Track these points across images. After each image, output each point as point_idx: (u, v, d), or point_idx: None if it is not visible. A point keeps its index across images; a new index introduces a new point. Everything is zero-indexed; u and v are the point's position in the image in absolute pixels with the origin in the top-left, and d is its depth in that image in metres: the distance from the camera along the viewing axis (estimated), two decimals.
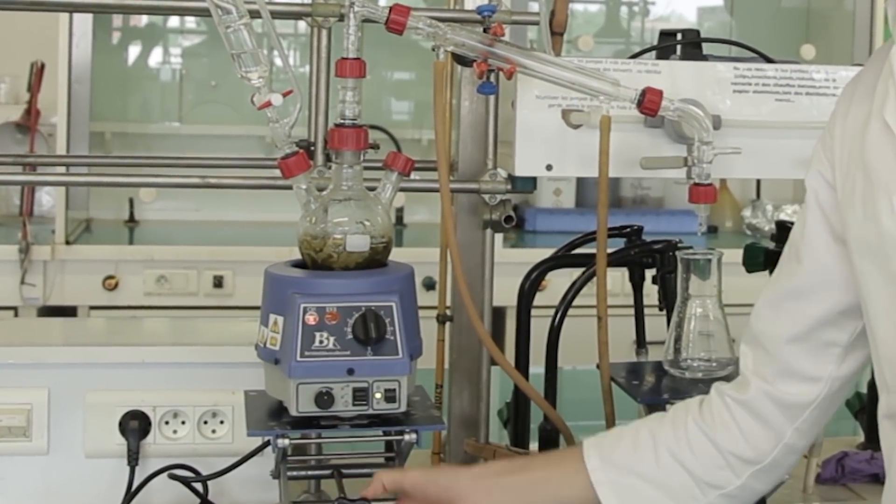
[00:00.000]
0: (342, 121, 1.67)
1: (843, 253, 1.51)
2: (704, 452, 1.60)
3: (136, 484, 1.92)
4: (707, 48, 2.05)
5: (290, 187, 1.70)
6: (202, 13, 1.83)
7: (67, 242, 4.43)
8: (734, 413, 1.60)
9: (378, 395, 1.61)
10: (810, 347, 1.56)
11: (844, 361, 1.57)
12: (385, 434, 1.71)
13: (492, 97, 1.96)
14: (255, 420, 1.67)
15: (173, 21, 5.34)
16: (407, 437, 1.66)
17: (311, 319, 1.59)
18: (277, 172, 1.69)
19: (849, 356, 1.57)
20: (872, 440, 2.31)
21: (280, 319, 1.62)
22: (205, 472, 1.92)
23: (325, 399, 1.60)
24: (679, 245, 2.03)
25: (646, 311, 2.13)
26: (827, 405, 1.60)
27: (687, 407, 1.64)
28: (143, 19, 5.30)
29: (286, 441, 1.64)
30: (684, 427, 1.61)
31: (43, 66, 4.71)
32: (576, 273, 2.01)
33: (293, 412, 1.61)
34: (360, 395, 1.61)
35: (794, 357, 1.57)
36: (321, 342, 1.59)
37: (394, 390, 1.61)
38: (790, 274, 1.57)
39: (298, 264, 1.70)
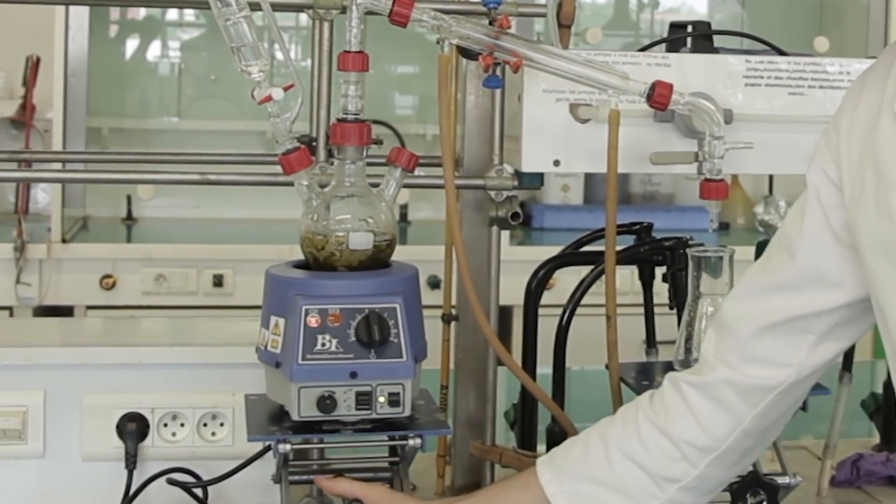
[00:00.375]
0: (344, 115, 1.67)
1: (841, 253, 1.50)
2: (657, 446, 1.59)
3: (133, 488, 1.92)
4: (718, 40, 2.04)
5: (291, 184, 1.69)
6: (201, 5, 1.82)
7: (64, 241, 4.44)
8: (689, 399, 1.59)
9: (381, 399, 1.61)
10: (783, 335, 1.56)
11: (816, 350, 1.56)
12: (389, 439, 1.70)
13: (498, 91, 1.96)
14: (256, 425, 1.67)
15: (172, 14, 5.34)
16: (411, 441, 1.66)
17: (313, 321, 1.59)
18: (278, 169, 1.69)
19: (821, 345, 1.56)
20: (888, 441, 2.31)
21: (281, 321, 1.62)
22: (204, 475, 1.91)
23: (327, 403, 1.59)
24: (690, 242, 2.02)
25: (656, 309, 2.13)
26: (791, 391, 1.59)
27: (636, 403, 1.65)
28: (141, 12, 5.30)
29: (287, 446, 1.63)
30: (634, 423, 1.61)
31: (38, 60, 4.71)
32: (584, 271, 2.00)
33: (294, 417, 1.60)
34: (364, 399, 1.60)
35: (764, 344, 1.57)
36: (323, 345, 1.59)
37: (398, 394, 1.61)
38: (778, 266, 1.57)
39: (300, 265, 1.70)
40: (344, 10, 1.69)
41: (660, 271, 2.07)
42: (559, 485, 1.61)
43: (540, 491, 1.62)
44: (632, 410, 1.64)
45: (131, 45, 5.31)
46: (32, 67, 4.73)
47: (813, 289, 1.53)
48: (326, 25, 1.95)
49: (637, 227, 2.10)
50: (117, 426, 1.95)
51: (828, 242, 1.51)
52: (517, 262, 2.50)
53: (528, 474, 1.66)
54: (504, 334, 2.50)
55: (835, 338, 1.56)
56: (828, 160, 1.51)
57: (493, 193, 1.97)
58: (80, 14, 4.61)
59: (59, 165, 3.43)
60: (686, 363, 1.93)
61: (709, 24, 2.06)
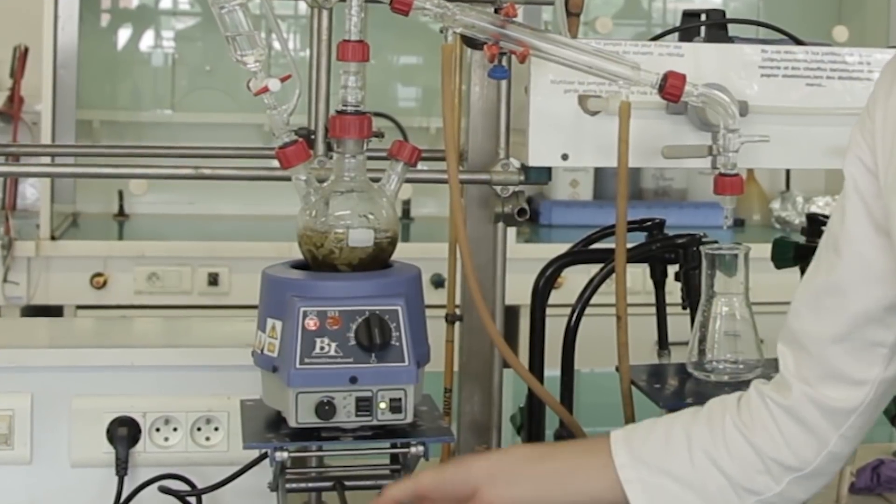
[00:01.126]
0: (344, 107, 1.66)
1: (887, 244, 1.49)
2: (742, 455, 1.58)
3: (125, 495, 1.92)
4: (733, 29, 2.04)
5: (288, 179, 1.69)
6: None
7: (53, 238, 4.43)
8: (776, 417, 1.58)
9: (383, 405, 1.60)
10: (854, 348, 1.54)
11: (892, 363, 1.54)
12: (390, 447, 1.70)
13: (504, 82, 1.96)
14: (252, 431, 1.66)
15: (165, 2, 5.35)
16: (413, 449, 1.66)
17: (312, 324, 1.58)
18: (275, 163, 1.69)
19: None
20: None
21: (278, 324, 1.61)
22: (198, 482, 1.91)
23: (326, 409, 1.59)
24: (704, 239, 2.02)
25: (668, 309, 2.12)
26: (872, 410, 1.58)
27: (724, 404, 1.62)
28: (134, 0, 5.30)
29: (284, 454, 1.63)
30: (721, 426, 1.59)
31: (27, 50, 4.71)
32: (593, 269, 2.00)
33: (292, 423, 1.60)
34: (364, 405, 1.60)
35: (838, 358, 1.55)
36: (322, 349, 1.58)
37: (399, 400, 1.60)
38: (829, 268, 1.55)
39: (298, 265, 1.69)
40: None
41: (672, 270, 2.07)
42: (635, 471, 1.59)
43: (615, 472, 1.59)
44: (719, 412, 1.61)
45: (123, 34, 5.31)
46: (20, 58, 4.73)
47: (864, 285, 1.52)
48: (325, 14, 1.95)
49: (649, 223, 2.10)
50: (107, 431, 1.95)
51: (870, 233, 1.51)
52: (524, 260, 2.50)
53: (602, 451, 1.61)
54: (510, 335, 2.50)
55: None
56: (863, 148, 1.51)
57: (498, 189, 1.96)
58: (69, 2, 4.61)
59: (47, 159, 3.41)
60: (700, 365, 1.93)
61: (723, 13, 2.06)
